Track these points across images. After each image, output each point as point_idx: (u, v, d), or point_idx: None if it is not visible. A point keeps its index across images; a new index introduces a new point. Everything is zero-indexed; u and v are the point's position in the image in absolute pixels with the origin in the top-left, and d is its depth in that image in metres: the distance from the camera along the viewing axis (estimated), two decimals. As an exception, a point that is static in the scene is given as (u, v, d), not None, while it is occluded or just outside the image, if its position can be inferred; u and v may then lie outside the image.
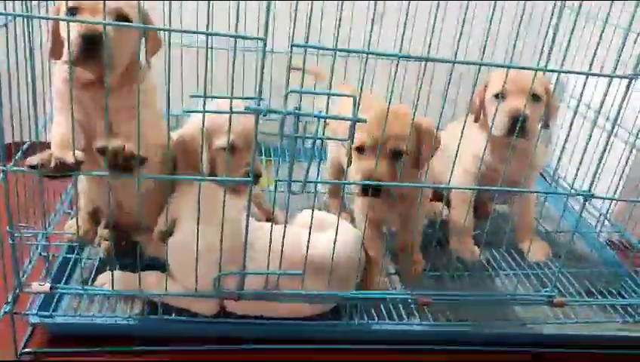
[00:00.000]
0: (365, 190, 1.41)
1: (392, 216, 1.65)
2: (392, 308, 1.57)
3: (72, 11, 1.23)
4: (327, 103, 1.44)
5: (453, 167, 1.42)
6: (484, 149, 1.54)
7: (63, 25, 1.25)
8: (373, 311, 1.54)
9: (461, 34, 1.21)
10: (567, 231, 1.92)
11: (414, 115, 1.38)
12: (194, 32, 1.16)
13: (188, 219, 1.37)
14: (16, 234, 1.25)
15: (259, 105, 1.14)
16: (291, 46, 1.10)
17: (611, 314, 1.66)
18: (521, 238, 1.89)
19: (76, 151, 1.16)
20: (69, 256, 1.60)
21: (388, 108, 1.28)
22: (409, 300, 1.52)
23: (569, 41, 1.28)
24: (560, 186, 2.32)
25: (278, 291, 1.39)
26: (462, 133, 1.38)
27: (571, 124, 1.41)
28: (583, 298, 1.72)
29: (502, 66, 1.60)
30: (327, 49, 1.14)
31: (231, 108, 1.16)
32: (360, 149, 1.47)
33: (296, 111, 1.15)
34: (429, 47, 1.22)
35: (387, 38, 1.98)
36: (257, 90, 1.13)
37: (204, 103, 1.18)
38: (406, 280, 1.70)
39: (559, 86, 2.36)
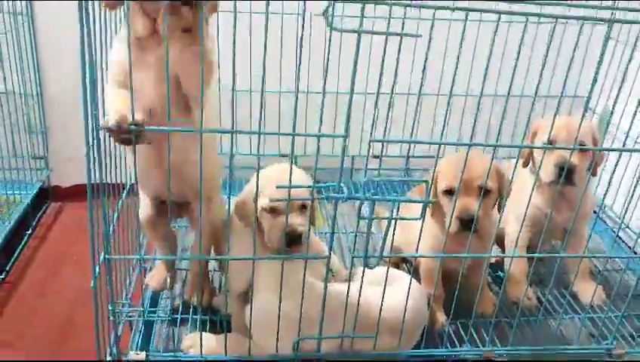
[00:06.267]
0: (464, 225, 1.49)
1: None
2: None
3: None
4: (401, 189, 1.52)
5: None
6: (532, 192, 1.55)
7: None
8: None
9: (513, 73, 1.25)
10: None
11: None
12: (280, 134, 1.25)
13: (266, 288, 1.47)
14: (116, 311, 1.36)
15: (338, 192, 1.23)
16: (370, 141, 1.19)
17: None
18: (575, 280, 1.90)
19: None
20: (151, 315, 1.72)
21: (467, 153, 1.35)
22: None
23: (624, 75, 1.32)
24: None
25: (352, 351, 1.48)
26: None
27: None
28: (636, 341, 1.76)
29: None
30: (404, 142, 1.22)
31: (312, 194, 1.27)
32: (449, 192, 1.53)
33: (373, 196, 1.24)
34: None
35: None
36: (339, 178, 1.23)
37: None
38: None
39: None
